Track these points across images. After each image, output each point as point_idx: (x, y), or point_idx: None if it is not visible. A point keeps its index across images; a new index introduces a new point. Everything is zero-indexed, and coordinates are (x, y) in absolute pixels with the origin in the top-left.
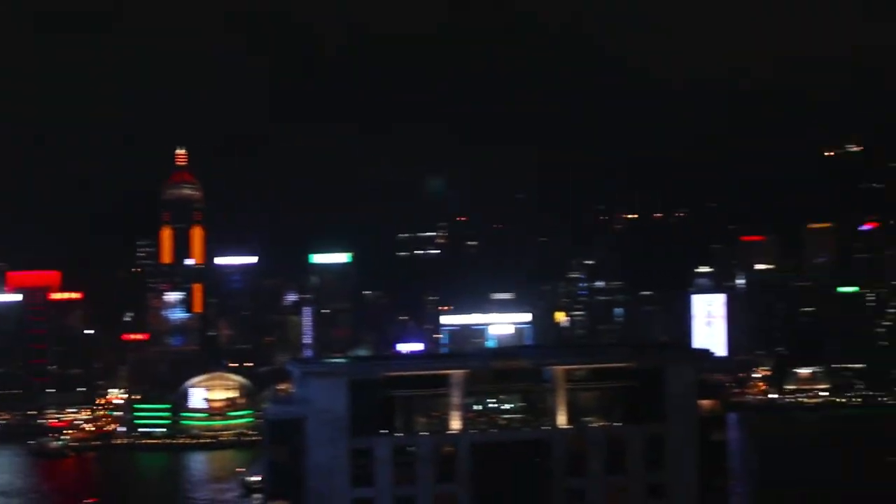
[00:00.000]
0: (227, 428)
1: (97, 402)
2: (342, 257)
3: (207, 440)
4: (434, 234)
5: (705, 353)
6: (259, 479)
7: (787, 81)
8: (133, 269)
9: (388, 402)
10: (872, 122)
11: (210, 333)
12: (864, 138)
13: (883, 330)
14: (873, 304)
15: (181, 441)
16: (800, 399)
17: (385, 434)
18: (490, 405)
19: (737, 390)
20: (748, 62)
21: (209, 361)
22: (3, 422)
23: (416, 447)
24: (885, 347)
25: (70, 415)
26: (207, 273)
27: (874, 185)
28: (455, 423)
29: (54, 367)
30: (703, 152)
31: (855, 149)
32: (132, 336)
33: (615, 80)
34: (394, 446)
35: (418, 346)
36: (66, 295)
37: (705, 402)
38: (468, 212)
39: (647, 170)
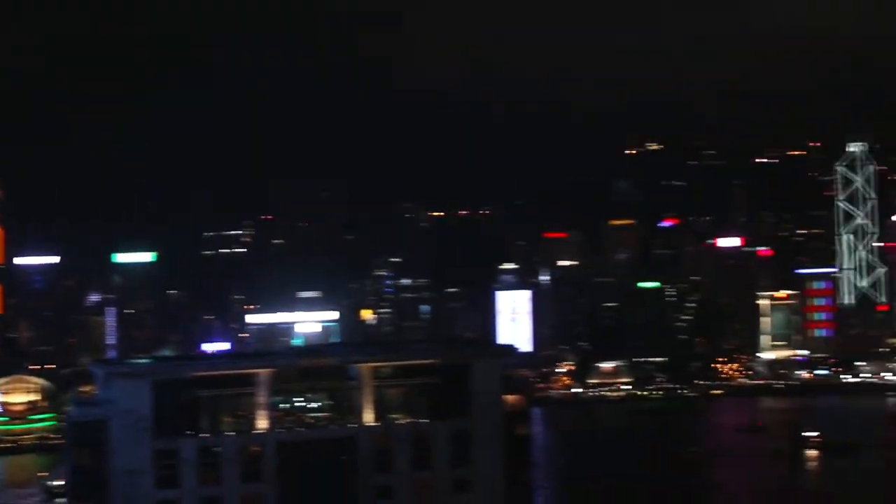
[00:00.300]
0: (28, 432)
1: None
2: (146, 256)
3: (7, 445)
4: (239, 232)
5: (510, 349)
6: (62, 482)
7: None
8: None
9: (194, 403)
10: (671, 121)
11: (10, 335)
12: (664, 137)
13: (683, 324)
14: (673, 298)
15: None
16: (603, 393)
17: (190, 435)
18: (297, 404)
19: (541, 385)
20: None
21: (9, 364)
22: None
23: (221, 447)
24: (684, 341)
25: None
26: (7, 274)
27: (674, 182)
28: (262, 423)
29: None
30: (507, 151)
31: (655, 147)
32: None
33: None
34: (199, 447)
35: (224, 346)
36: None
37: (510, 398)
38: (274, 209)
39: (454, 168)
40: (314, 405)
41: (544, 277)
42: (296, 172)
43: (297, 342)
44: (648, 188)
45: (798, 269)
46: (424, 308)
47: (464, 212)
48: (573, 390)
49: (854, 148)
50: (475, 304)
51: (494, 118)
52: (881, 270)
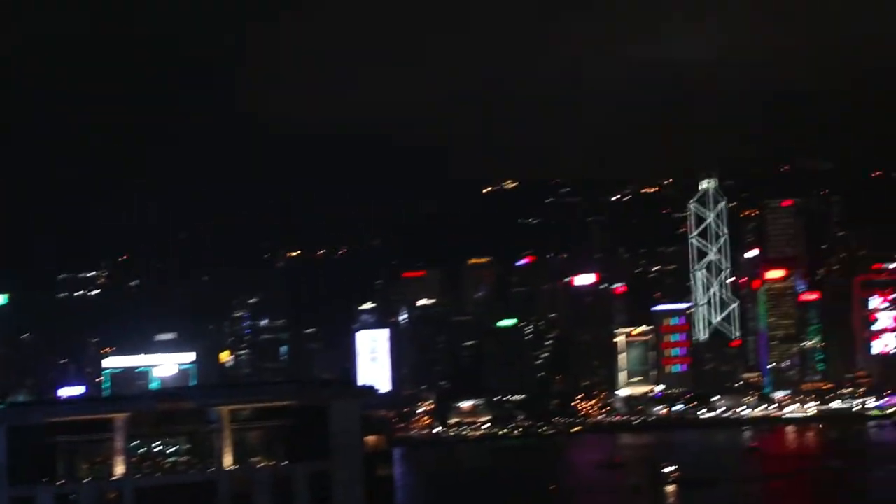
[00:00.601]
0: None
1: None
2: None
3: None
4: (95, 273)
5: (369, 389)
6: None
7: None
8: None
9: (49, 449)
10: (527, 160)
11: None
12: (520, 175)
13: (541, 361)
14: (531, 336)
15: None
16: (463, 432)
17: (46, 482)
18: (155, 448)
19: (401, 425)
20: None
21: None
22: None
23: (78, 495)
24: (542, 378)
25: None
26: None
27: (530, 220)
28: (119, 468)
29: None
30: (363, 190)
31: (511, 185)
32: None
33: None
34: (56, 494)
35: (79, 390)
36: None
37: (370, 438)
38: (130, 250)
39: (308, 207)
40: (173, 449)
41: (403, 317)
42: (148, 210)
43: (154, 385)
44: (506, 226)
45: (653, 305)
46: (283, 349)
47: (321, 252)
48: (434, 430)
49: (706, 185)
50: (334, 345)
51: (352, 159)
52: (734, 305)
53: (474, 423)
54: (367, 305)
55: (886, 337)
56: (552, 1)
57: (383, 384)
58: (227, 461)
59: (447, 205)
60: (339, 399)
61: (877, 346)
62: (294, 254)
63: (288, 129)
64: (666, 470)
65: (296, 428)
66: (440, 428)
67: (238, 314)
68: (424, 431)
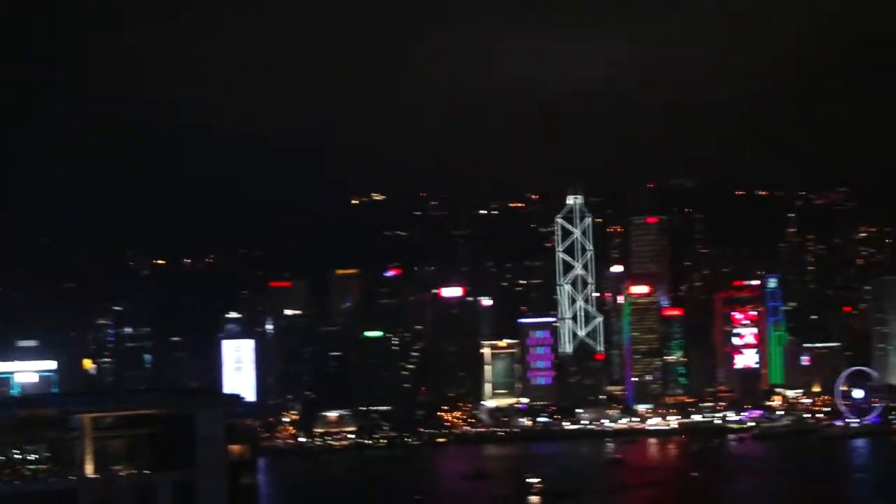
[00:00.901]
0: None
1: None
2: None
3: None
4: None
5: (234, 398)
6: None
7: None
8: None
9: None
10: (395, 171)
11: None
12: (386, 186)
13: (407, 373)
14: (398, 347)
15: None
16: (328, 442)
17: None
18: (14, 455)
19: (266, 434)
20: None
21: None
22: None
23: None
24: (408, 390)
25: None
26: None
27: (398, 232)
28: None
29: None
30: (236, 199)
31: (379, 197)
32: None
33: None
34: None
35: None
36: None
37: (235, 447)
38: None
39: (174, 213)
40: (33, 457)
41: (270, 326)
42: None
43: (14, 392)
44: (373, 238)
45: (519, 318)
46: (148, 357)
47: (187, 260)
48: (299, 439)
49: (572, 200)
50: (200, 353)
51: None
52: (598, 319)
53: (340, 433)
54: (233, 315)
55: (746, 352)
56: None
57: (248, 393)
58: (89, 469)
59: (315, 215)
60: (204, 408)
61: (737, 362)
62: (159, 262)
63: (164, 129)
64: (530, 481)
65: (160, 436)
66: (305, 438)
67: (101, 322)
68: (289, 441)
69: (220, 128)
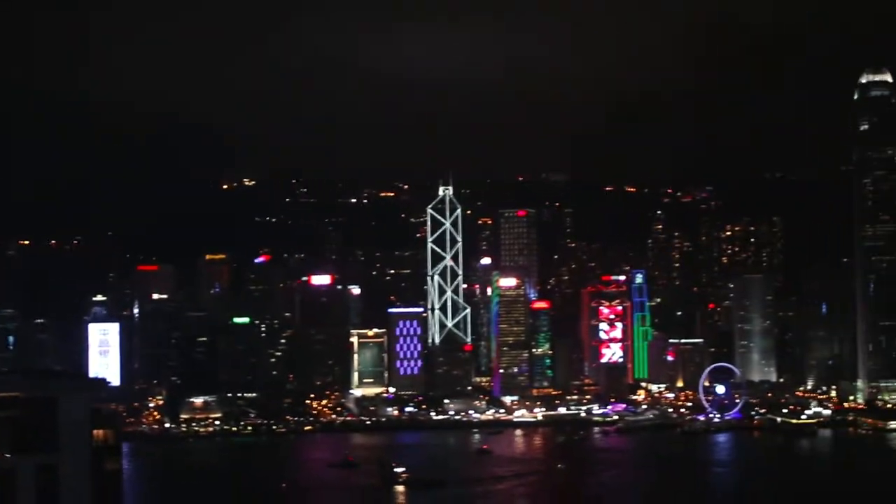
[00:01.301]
0: None
1: None
2: None
3: None
4: None
5: (99, 382)
6: None
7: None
8: None
9: None
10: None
11: None
12: (257, 172)
13: (275, 360)
14: (266, 334)
15: None
16: (194, 428)
17: None
18: None
19: (131, 420)
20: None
21: None
22: None
23: None
24: (276, 377)
25: None
26: None
27: (268, 218)
28: None
29: None
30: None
31: (249, 182)
32: None
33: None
34: None
35: None
36: None
37: (99, 432)
38: None
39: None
40: None
41: (137, 310)
42: None
43: None
44: (243, 224)
45: (389, 307)
46: (11, 339)
47: (53, 241)
48: (165, 425)
49: (442, 192)
50: (65, 336)
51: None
52: (466, 311)
53: (206, 419)
54: (99, 298)
55: (612, 346)
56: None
57: (114, 378)
58: None
59: (184, 199)
60: (68, 391)
61: (603, 355)
62: (25, 242)
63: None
64: (397, 470)
65: (22, 420)
66: (171, 423)
67: None
68: (155, 426)
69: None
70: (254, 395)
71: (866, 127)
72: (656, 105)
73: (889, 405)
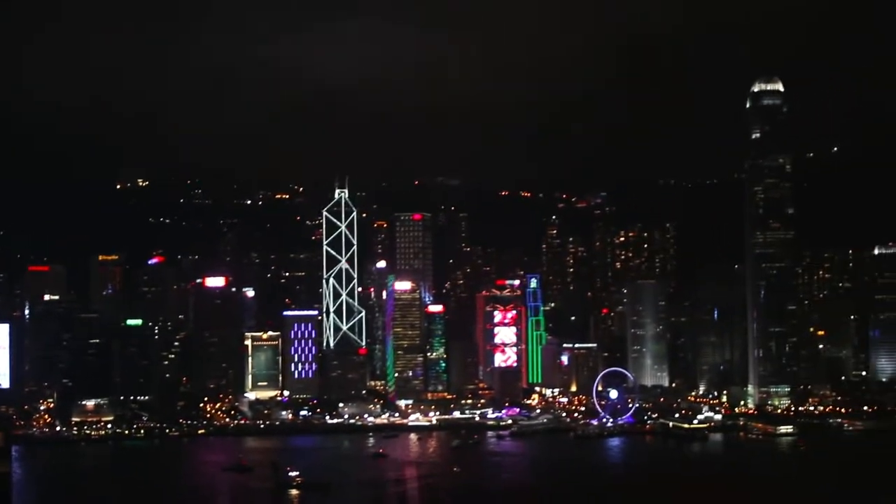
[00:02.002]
0: None
1: None
2: None
3: None
4: None
5: None
6: None
7: None
8: None
9: None
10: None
11: None
12: (151, 172)
13: (168, 362)
14: (159, 337)
15: None
16: (85, 431)
17: None
18: None
19: (21, 422)
20: None
21: None
22: None
23: None
24: (169, 380)
25: None
26: None
27: (162, 219)
28: None
29: None
30: None
31: (143, 183)
32: None
33: None
34: None
35: None
36: None
37: None
38: None
39: None
40: None
41: (27, 312)
42: None
43: None
44: (137, 224)
45: (283, 310)
46: None
47: None
48: (56, 428)
49: (339, 194)
50: None
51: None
52: (361, 314)
53: (98, 422)
54: None
55: (507, 351)
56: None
57: (3, 380)
58: None
59: (77, 199)
60: None
61: (497, 360)
62: None
63: None
64: (291, 474)
65: None
66: (62, 426)
67: None
68: (45, 429)
69: None
70: (146, 397)
71: (758, 135)
72: (554, 111)
73: (779, 410)
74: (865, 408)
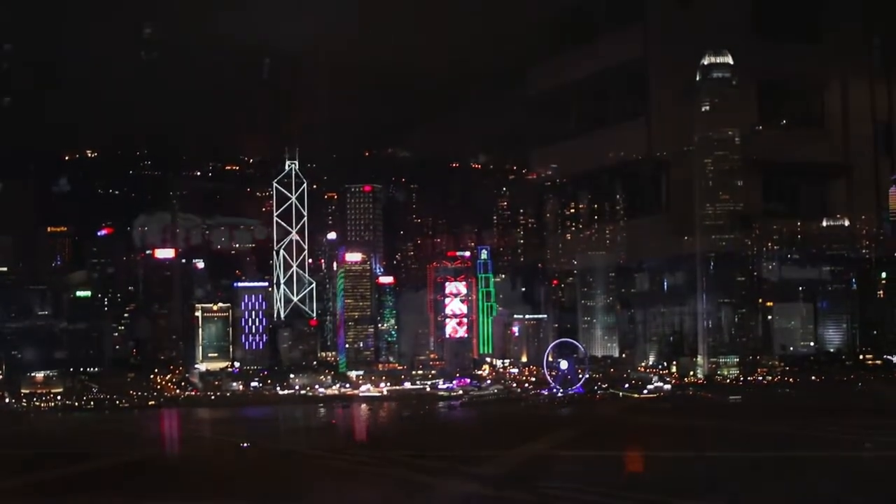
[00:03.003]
0: None
1: None
2: None
3: None
4: None
5: None
6: None
7: None
8: None
9: None
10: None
11: None
12: (102, 144)
13: (117, 334)
14: (108, 308)
15: None
16: (35, 403)
17: None
18: None
19: None
20: None
21: None
22: None
23: None
24: (119, 352)
25: None
26: None
27: (112, 191)
28: None
29: None
30: None
31: (92, 154)
32: None
33: None
34: None
35: None
36: None
37: None
38: None
39: None
40: None
41: None
42: None
43: None
44: (86, 195)
45: (234, 281)
46: None
47: None
48: (5, 400)
49: (289, 165)
50: None
51: None
52: (312, 286)
53: (47, 394)
54: None
55: (457, 322)
56: None
57: None
58: None
59: (25, 170)
60: None
61: (448, 331)
62: None
63: None
64: (242, 446)
65: None
66: (10, 399)
67: None
68: None
69: None
70: (96, 369)
71: (708, 108)
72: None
73: (727, 380)
74: (813, 378)
